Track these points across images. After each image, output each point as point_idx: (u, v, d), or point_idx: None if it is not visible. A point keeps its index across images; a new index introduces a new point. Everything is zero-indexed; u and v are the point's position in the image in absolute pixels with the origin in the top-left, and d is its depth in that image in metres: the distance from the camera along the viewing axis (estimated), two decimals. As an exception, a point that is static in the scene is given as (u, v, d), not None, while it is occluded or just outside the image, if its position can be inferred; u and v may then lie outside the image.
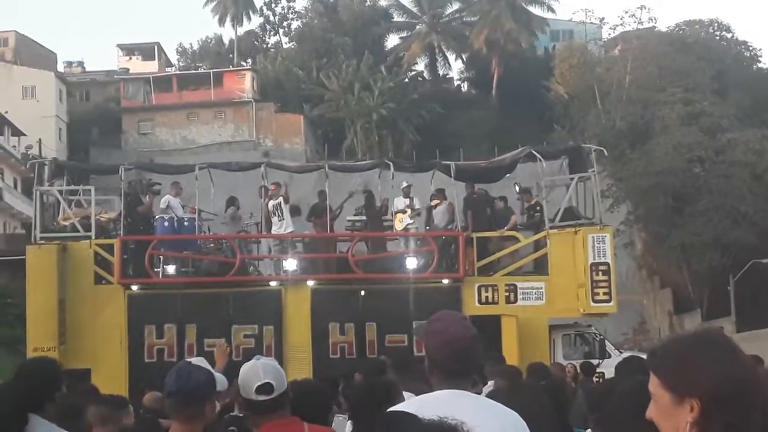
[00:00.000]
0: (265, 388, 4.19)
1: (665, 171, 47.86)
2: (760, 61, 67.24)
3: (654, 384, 2.38)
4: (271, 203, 21.45)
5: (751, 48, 67.21)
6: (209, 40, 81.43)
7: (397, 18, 78.43)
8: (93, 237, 20.90)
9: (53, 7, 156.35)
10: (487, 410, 3.51)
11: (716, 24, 66.52)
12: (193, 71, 75.60)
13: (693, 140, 48.39)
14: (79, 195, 22.90)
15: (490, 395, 4.93)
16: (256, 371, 4.26)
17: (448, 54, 77.37)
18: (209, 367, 4.08)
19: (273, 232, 21.62)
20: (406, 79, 70.14)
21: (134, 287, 20.95)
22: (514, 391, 5.52)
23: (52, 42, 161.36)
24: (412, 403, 3.56)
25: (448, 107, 67.08)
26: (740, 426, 2.23)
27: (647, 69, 56.82)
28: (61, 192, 22.09)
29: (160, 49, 79.54)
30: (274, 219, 21.46)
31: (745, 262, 43.38)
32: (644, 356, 2.91)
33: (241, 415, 5.76)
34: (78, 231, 21.07)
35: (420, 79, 73.82)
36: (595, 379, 16.21)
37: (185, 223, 21.30)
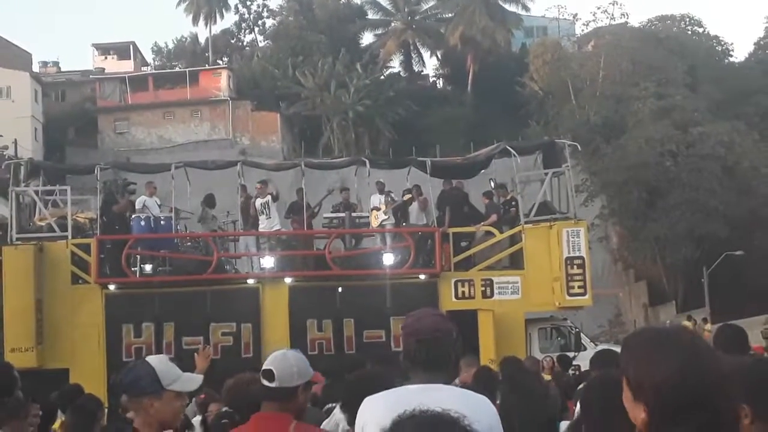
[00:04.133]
0: (266, 373, 4.25)
1: (638, 165, 48.31)
2: (731, 56, 67.96)
3: (623, 374, 2.44)
4: (259, 201, 21.53)
5: (722, 42, 67.90)
6: (184, 39, 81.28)
7: (372, 15, 78.57)
8: (69, 237, 20.86)
9: (28, 6, 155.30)
10: (464, 400, 3.55)
11: (688, 19, 67.14)
12: (169, 70, 75.40)
13: (665, 134, 48.87)
14: (56, 195, 22.83)
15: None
16: (276, 357, 4.33)
17: (423, 51, 77.67)
18: (160, 364, 4.13)
19: (262, 230, 21.69)
20: (382, 77, 70.27)
21: (111, 287, 20.93)
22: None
23: (27, 42, 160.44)
24: (389, 395, 3.65)
25: (423, 104, 67.26)
26: (697, 424, 2.26)
27: (620, 64, 57.28)
28: (37, 192, 22.02)
29: (136, 49, 79.20)
30: (262, 217, 21.53)
31: (718, 254, 43.89)
32: (618, 349, 2.99)
33: (232, 410, 5.88)
34: (54, 231, 21.03)
35: (396, 76, 73.91)
36: (571, 372, 16.37)
37: (161, 222, 21.31)
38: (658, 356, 2.31)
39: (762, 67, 62.14)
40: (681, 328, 2.60)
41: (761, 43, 68.94)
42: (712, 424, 2.26)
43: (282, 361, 4.30)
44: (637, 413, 2.34)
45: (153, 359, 4.23)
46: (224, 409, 5.84)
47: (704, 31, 67.82)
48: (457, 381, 7.93)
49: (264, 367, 4.30)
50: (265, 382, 4.24)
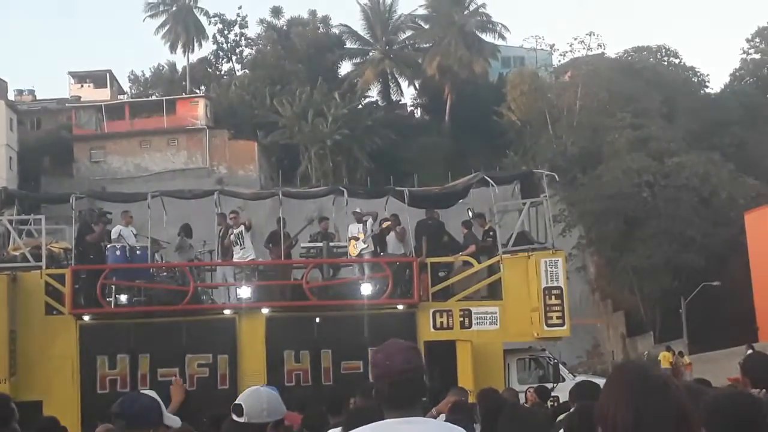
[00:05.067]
0: (236, 408, 4.17)
1: (615, 195, 48.57)
2: (707, 87, 68.65)
3: None
4: (232, 231, 21.39)
5: (698, 73, 68.57)
6: (161, 68, 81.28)
7: (350, 45, 78.88)
8: (44, 267, 20.61)
9: (3, 34, 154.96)
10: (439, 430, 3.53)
11: (664, 50, 67.82)
12: (146, 99, 75.28)
13: (642, 165, 49.18)
14: (30, 224, 22.59)
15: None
16: (247, 393, 4.28)
17: (401, 80, 77.96)
18: (158, 397, 4.10)
19: (236, 260, 21.53)
20: (360, 106, 70.45)
21: (86, 317, 20.67)
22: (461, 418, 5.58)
23: (3, 70, 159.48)
24: (376, 428, 3.58)
25: (401, 133, 67.44)
26: None
27: (597, 94, 57.74)
28: (11, 221, 21.79)
29: (112, 77, 79.09)
30: (236, 248, 21.39)
31: (696, 284, 44.07)
32: (596, 380, 3.03)
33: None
34: (28, 261, 20.77)
35: (374, 105, 74.11)
36: (549, 404, 16.25)
37: (137, 252, 21.12)
38: (618, 393, 2.42)
39: (737, 98, 62.79)
40: (654, 368, 2.66)
41: (737, 74, 69.73)
42: None
43: (253, 396, 4.25)
44: None
45: (152, 393, 4.24)
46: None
47: (680, 62, 68.58)
48: (433, 411, 7.86)
49: (236, 401, 4.23)
50: (234, 417, 4.18)
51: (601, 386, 2.66)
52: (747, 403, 3.74)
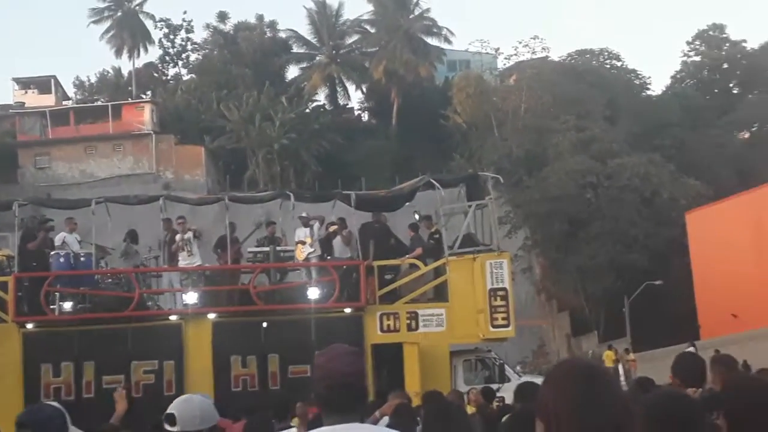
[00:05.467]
0: (168, 417, 4.19)
1: (560, 197, 49.10)
2: (648, 89, 69.65)
3: None
4: (179, 237, 21.32)
5: (640, 76, 69.56)
6: (107, 73, 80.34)
7: (297, 49, 78.69)
8: (-14, 275, 20.41)
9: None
10: None
11: (606, 53, 68.68)
12: (91, 104, 74.40)
13: (585, 166, 49.76)
14: (-28, 232, 22.34)
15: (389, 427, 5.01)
16: (179, 402, 4.29)
17: (348, 84, 77.95)
18: (62, 408, 4.13)
19: (182, 266, 21.45)
20: (307, 110, 70.37)
21: (29, 325, 20.47)
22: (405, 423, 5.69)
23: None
24: None
25: (349, 137, 67.51)
26: None
27: (542, 97, 58.30)
28: (-47, 229, 21.53)
29: (57, 83, 77.98)
30: (183, 254, 21.31)
31: (639, 284, 44.71)
32: (540, 380, 3.08)
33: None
34: (-29, 269, 20.54)
35: (321, 109, 74.07)
36: (495, 404, 16.43)
37: (82, 259, 20.97)
38: (562, 387, 2.41)
39: (678, 100, 63.79)
40: (594, 363, 2.69)
41: (678, 77, 70.83)
42: None
43: (185, 405, 4.26)
44: None
45: (56, 404, 4.27)
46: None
47: (623, 65, 69.51)
48: (377, 413, 7.96)
49: (167, 411, 4.24)
50: (167, 427, 4.18)
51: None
52: (683, 404, 3.84)
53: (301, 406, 10.88)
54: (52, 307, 20.60)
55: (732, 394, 4.18)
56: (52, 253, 20.85)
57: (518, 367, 36.85)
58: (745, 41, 69.54)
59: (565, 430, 2.34)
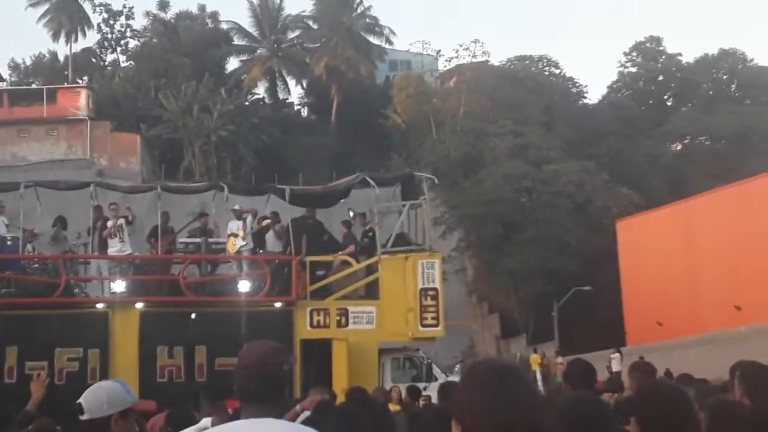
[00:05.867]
0: (77, 407, 4.16)
1: (495, 200, 49.53)
2: (585, 97, 70.52)
3: None
4: (111, 223, 21.04)
5: (577, 84, 70.42)
6: (43, 56, 78.88)
7: (238, 41, 78.07)
8: None
9: None
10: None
11: (546, 60, 69.38)
12: (26, 87, 72.97)
13: (521, 171, 50.26)
14: None
15: (305, 422, 5.01)
16: (88, 391, 4.25)
17: (288, 79, 77.55)
18: None
19: (111, 253, 21.17)
20: (246, 103, 69.83)
21: (-49, 308, 20.06)
22: (325, 419, 5.68)
23: None
24: (218, 430, 3.65)
25: (287, 132, 67.20)
26: None
27: (480, 101, 58.72)
28: None
29: (-10, 63, 76.57)
30: (114, 240, 21.04)
31: (568, 289, 45.30)
32: None
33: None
34: None
35: (260, 103, 73.60)
36: (422, 403, 16.51)
37: (8, 243, 20.59)
38: (476, 385, 2.44)
39: (614, 109, 64.75)
40: (509, 362, 2.72)
41: (614, 86, 71.87)
42: None
43: (92, 392, 4.22)
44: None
45: None
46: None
47: (561, 72, 70.28)
48: (298, 407, 7.95)
49: (77, 401, 4.20)
50: (79, 416, 4.15)
51: None
52: (593, 407, 3.93)
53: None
54: (-25, 290, 20.22)
55: (643, 398, 4.32)
56: (-23, 236, 20.45)
57: (457, 367, 37.10)
58: (680, 54, 70.95)
59: (480, 428, 2.36)
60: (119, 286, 20.64)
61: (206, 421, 6.63)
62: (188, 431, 6.81)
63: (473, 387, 2.45)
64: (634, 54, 71.03)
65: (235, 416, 4.94)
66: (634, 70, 70.87)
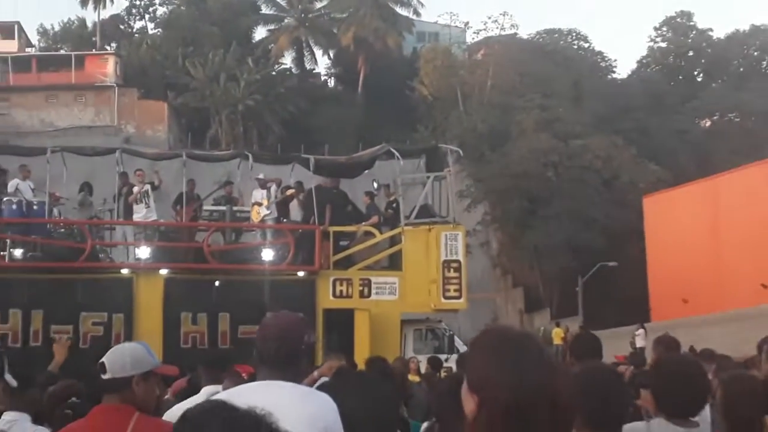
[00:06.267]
0: (100, 366, 4.18)
1: (521, 174, 49.29)
2: (614, 72, 69.95)
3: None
4: (136, 189, 21.15)
5: (606, 58, 69.85)
6: (71, 23, 79.07)
7: (266, 10, 77.94)
8: (-64, 218, 20.14)
9: None
10: (297, 396, 3.59)
11: (575, 34, 68.83)
12: (54, 53, 73.25)
13: (548, 145, 49.95)
14: (-76, 175, 21.95)
15: (320, 388, 5.03)
16: (111, 350, 4.28)
17: (315, 49, 77.40)
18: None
19: (137, 218, 21.28)
20: (273, 72, 69.80)
21: (-22, 271, 20.25)
22: (342, 384, 5.69)
23: None
24: (222, 395, 3.68)
25: (314, 102, 67.12)
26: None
27: (508, 74, 58.34)
28: None
29: (20, 29, 76.66)
30: (139, 206, 21.14)
31: (594, 264, 45.11)
32: None
33: (78, 401, 5.75)
34: None
35: (287, 73, 73.53)
36: (443, 374, 16.53)
37: (34, 207, 20.72)
38: (500, 355, 2.34)
39: (643, 85, 64.15)
40: (529, 332, 2.64)
41: (643, 61, 71.20)
42: (543, 429, 2.28)
43: (116, 352, 4.26)
44: (469, 405, 2.36)
45: None
46: (72, 399, 5.70)
47: (590, 46, 69.75)
48: (315, 374, 7.98)
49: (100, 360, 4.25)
50: (101, 375, 4.18)
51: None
52: (605, 377, 3.89)
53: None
54: (2, 253, 20.39)
55: (658, 371, 4.38)
56: (4, 199, 20.59)
57: None
58: (711, 30, 70.23)
59: (502, 402, 2.27)
60: (144, 252, 20.74)
61: (211, 389, 6.64)
62: (202, 393, 6.85)
63: (490, 356, 2.36)
64: (665, 29, 70.29)
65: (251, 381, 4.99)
66: (664, 45, 70.18)
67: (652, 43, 71.12)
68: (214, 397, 3.42)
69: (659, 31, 70.60)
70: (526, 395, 2.26)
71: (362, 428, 4.45)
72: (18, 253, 20.45)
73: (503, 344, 2.39)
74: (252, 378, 5.53)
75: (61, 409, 5.45)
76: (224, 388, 5.93)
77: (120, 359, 4.20)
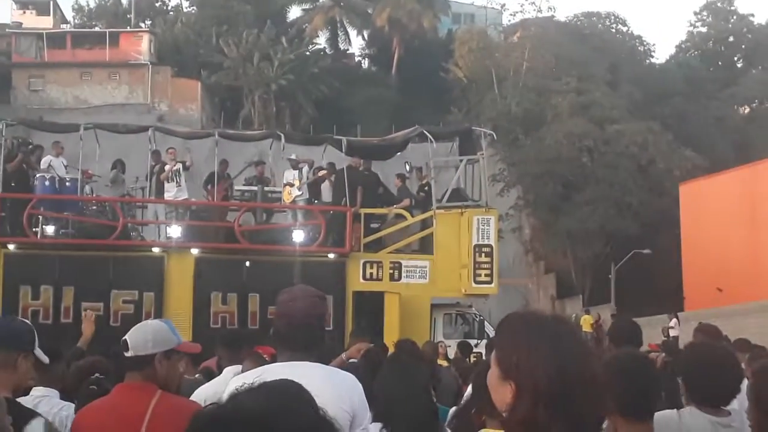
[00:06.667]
0: (122, 343, 4.19)
1: (555, 159, 48.90)
2: (652, 56, 69.17)
3: (493, 353, 2.39)
4: (168, 167, 21.13)
5: (644, 43, 69.11)
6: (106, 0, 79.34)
7: (301, -10, 77.82)
8: (-31, 193, 20.22)
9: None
10: (324, 376, 3.56)
11: (613, 17, 68.13)
12: (89, 30, 73.53)
13: (583, 130, 49.50)
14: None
15: (352, 370, 4.99)
16: (134, 328, 4.30)
17: (350, 29, 77.14)
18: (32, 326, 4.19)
19: (168, 197, 21.27)
20: (307, 52, 69.63)
21: (11, 246, 20.32)
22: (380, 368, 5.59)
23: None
24: (251, 375, 3.61)
25: (347, 83, 66.93)
26: (560, 418, 2.22)
27: (544, 57, 57.80)
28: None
29: (56, 5, 77.01)
30: (171, 184, 21.13)
31: (627, 251, 44.72)
32: None
33: (102, 376, 5.69)
34: (-45, 187, 20.32)
35: (321, 53, 73.36)
36: (473, 359, 16.42)
37: (67, 184, 20.76)
38: (537, 340, 2.28)
39: (682, 70, 63.40)
40: (563, 316, 2.57)
41: (682, 46, 70.37)
42: (581, 412, 2.23)
43: (138, 330, 4.27)
44: (503, 393, 2.29)
45: (26, 321, 4.32)
46: (96, 375, 5.62)
47: (628, 30, 68.96)
48: (343, 356, 7.87)
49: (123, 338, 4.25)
50: (124, 352, 4.20)
51: None
52: (637, 363, 3.92)
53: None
54: (34, 229, 20.45)
55: (689, 359, 4.37)
56: (37, 175, 20.64)
57: None
58: (752, 15, 69.32)
59: (542, 388, 2.21)
60: (175, 231, 20.72)
61: (232, 369, 6.59)
62: (225, 374, 6.79)
63: (526, 341, 2.29)
64: (705, 14, 69.40)
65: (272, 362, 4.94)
66: (703, 30, 69.29)
67: (691, 28, 70.30)
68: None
69: (699, 16, 69.73)
70: (567, 381, 2.21)
71: (400, 411, 4.39)
72: (50, 229, 20.49)
73: (540, 329, 2.32)
74: (273, 359, 5.43)
75: (85, 385, 5.40)
76: (243, 369, 5.86)
77: (142, 337, 4.21)
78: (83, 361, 6.85)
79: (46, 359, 4.25)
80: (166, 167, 21.21)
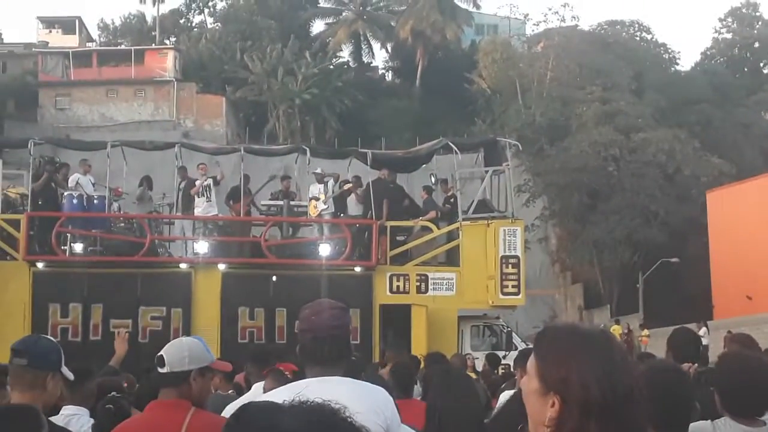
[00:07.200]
0: (158, 359, 4.21)
1: (581, 168, 48.68)
2: (677, 64, 68.73)
3: (531, 364, 2.35)
4: (198, 182, 21.29)
5: (669, 50, 68.70)
6: (131, 17, 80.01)
7: (324, 4, 78.21)
8: (-1, 211, 20.42)
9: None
10: (357, 391, 3.55)
11: (637, 25, 67.79)
12: (114, 47, 74.15)
13: (608, 139, 49.27)
14: (-12, 169, 22.26)
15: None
16: (170, 344, 4.33)
17: (373, 43, 77.35)
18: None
19: (198, 212, 21.40)
20: (331, 66, 69.83)
21: (40, 264, 20.50)
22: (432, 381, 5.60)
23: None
24: (282, 391, 3.61)
25: (371, 96, 67.06)
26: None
27: (568, 66, 57.60)
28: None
29: (81, 24, 77.73)
30: (201, 199, 21.27)
31: (655, 260, 44.43)
32: None
33: (119, 395, 5.71)
34: (-17, 205, 20.53)
35: (345, 66, 73.57)
36: (501, 371, 16.35)
37: (95, 202, 20.91)
38: (584, 354, 2.26)
39: (707, 77, 62.99)
40: (603, 330, 2.56)
41: (708, 53, 69.94)
42: (630, 425, 2.23)
43: (174, 346, 4.29)
44: (543, 406, 2.26)
45: (52, 339, 4.32)
46: (112, 394, 5.64)
47: (652, 38, 68.60)
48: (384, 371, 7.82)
49: (158, 353, 4.26)
50: (158, 369, 4.21)
51: None
52: (670, 375, 3.87)
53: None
54: (63, 247, 20.63)
55: (722, 368, 4.32)
56: (65, 194, 20.82)
57: None
58: (778, 20, 68.66)
59: (592, 402, 2.18)
60: (202, 246, 20.83)
61: (260, 385, 6.60)
62: (254, 389, 6.81)
63: (573, 355, 2.25)
64: (730, 20, 68.94)
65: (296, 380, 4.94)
66: (729, 36, 68.82)
67: (716, 35, 69.84)
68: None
69: (724, 23, 69.28)
70: (618, 394, 2.20)
71: (452, 424, 4.40)
72: (78, 247, 20.66)
73: (588, 342, 2.30)
74: (297, 376, 5.44)
75: (101, 405, 5.43)
76: (266, 387, 5.88)
77: (179, 353, 4.22)
78: (100, 380, 6.90)
79: (71, 376, 4.28)
80: (197, 182, 21.34)
